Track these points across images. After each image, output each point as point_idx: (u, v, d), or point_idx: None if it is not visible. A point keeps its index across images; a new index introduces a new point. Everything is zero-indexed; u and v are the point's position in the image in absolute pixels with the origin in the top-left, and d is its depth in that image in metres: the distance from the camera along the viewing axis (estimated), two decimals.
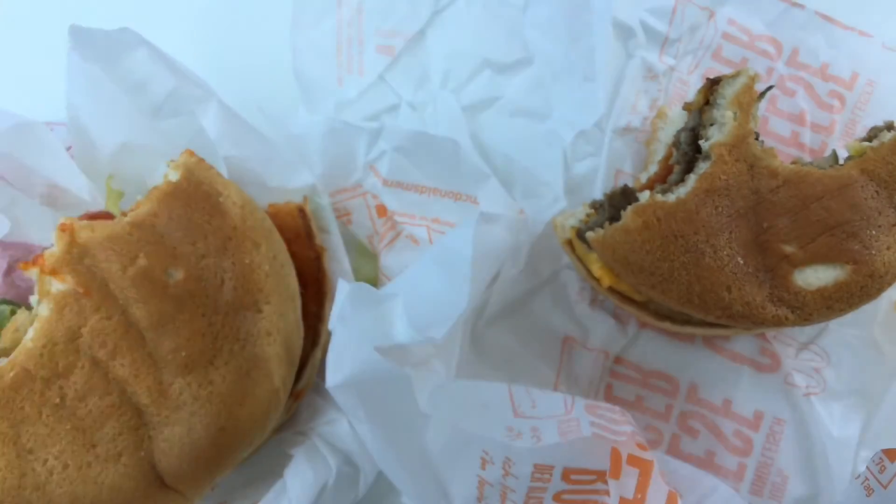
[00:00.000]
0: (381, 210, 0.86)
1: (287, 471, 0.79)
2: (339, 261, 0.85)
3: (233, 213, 0.74)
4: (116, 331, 0.70)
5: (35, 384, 0.68)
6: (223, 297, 0.72)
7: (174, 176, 0.74)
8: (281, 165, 0.83)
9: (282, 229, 0.80)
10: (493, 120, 0.92)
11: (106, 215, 0.75)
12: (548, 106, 0.93)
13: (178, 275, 0.72)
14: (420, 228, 0.85)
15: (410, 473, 0.70)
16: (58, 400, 0.68)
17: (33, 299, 0.71)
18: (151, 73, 0.82)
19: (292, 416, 0.82)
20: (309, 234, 0.82)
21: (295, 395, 0.80)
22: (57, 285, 0.69)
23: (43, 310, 0.69)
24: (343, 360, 0.66)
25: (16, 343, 0.70)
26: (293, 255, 0.79)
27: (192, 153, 0.75)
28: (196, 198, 0.73)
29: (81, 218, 0.73)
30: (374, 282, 0.89)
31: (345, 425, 0.80)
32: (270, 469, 0.81)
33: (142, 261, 0.71)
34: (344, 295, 0.65)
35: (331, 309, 0.82)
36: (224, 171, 0.80)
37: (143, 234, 0.72)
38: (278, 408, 0.76)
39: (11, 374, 0.68)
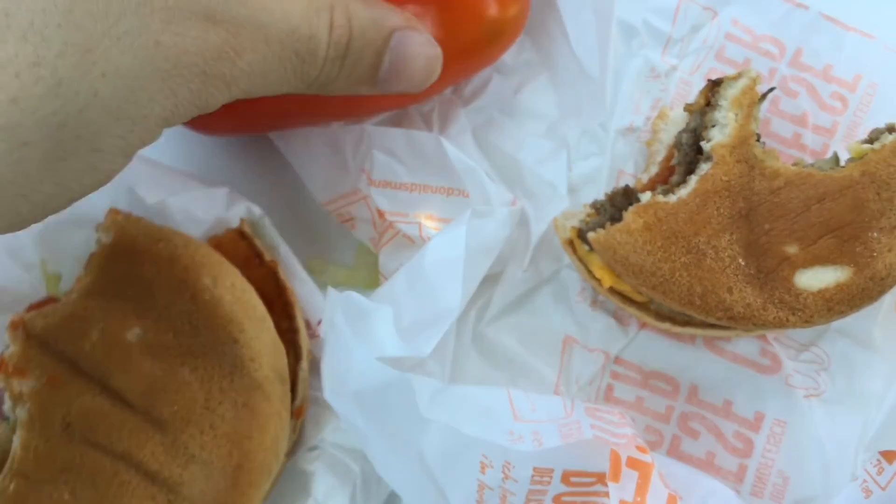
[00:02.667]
0: (381, 212, 0.86)
1: (314, 487, 0.78)
2: (293, 271, 0.84)
3: (178, 256, 0.73)
4: (102, 408, 0.68)
5: (40, 488, 0.67)
6: (196, 339, 0.71)
7: (107, 238, 0.72)
8: (209, 197, 0.83)
9: (229, 258, 0.79)
10: (496, 119, 0.91)
11: (51, 300, 0.74)
12: (551, 105, 0.92)
13: (144, 333, 0.70)
14: (412, 226, 0.85)
15: (410, 479, 0.70)
16: (67, 496, 0.67)
17: (6, 408, 0.69)
18: None
19: (300, 435, 0.81)
20: (257, 254, 0.82)
21: (296, 413, 0.79)
22: (27, 384, 0.68)
23: (22, 413, 0.68)
24: (339, 368, 0.66)
25: (5, 456, 0.68)
26: (248, 278, 0.78)
27: (117, 211, 0.74)
28: (136, 252, 0.72)
29: (28, 310, 0.72)
30: (375, 281, 0.89)
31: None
32: (297, 492, 0.80)
33: (104, 331, 0.70)
34: (333, 304, 0.65)
35: (301, 318, 0.82)
36: (155, 219, 0.79)
37: (96, 304, 0.70)
38: (285, 428, 0.76)
39: (13, 487, 0.66)
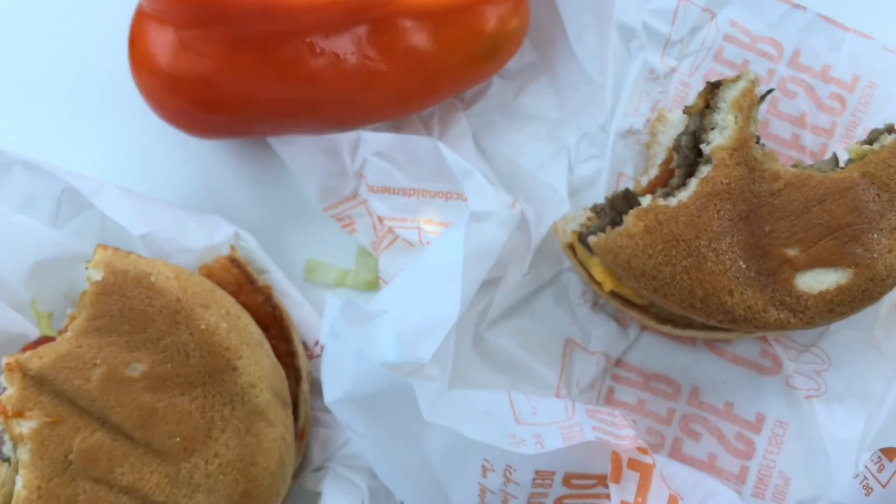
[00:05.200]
0: (381, 217, 0.86)
1: None
2: (287, 293, 0.85)
3: (169, 287, 0.73)
4: (103, 444, 0.69)
5: None
6: (194, 369, 0.72)
7: (97, 275, 0.72)
8: (196, 225, 0.83)
9: (221, 285, 0.79)
10: (497, 123, 0.92)
11: (46, 340, 0.74)
12: (552, 108, 0.93)
13: (142, 366, 0.71)
14: (411, 231, 0.85)
15: (412, 483, 0.70)
16: None
17: (7, 449, 0.69)
18: (34, 184, 0.82)
19: (305, 457, 0.82)
20: (250, 280, 0.82)
21: (299, 435, 0.80)
22: (27, 424, 0.68)
23: (23, 454, 0.68)
24: (340, 374, 0.66)
25: (8, 497, 0.68)
26: (243, 304, 0.79)
27: (105, 247, 0.74)
28: (127, 286, 0.72)
29: (23, 351, 0.72)
30: (375, 284, 0.89)
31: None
32: None
33: (100, 367, 0.70)
34: (334, 311, 0.65)
35: (299, 340, 0.82)
36: (144, 251, 0.80)
37: (91, 342, 0.70)
38: (290, 452, 0.76)
39: None
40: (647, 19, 0.92)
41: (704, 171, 0.77)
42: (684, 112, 0.85)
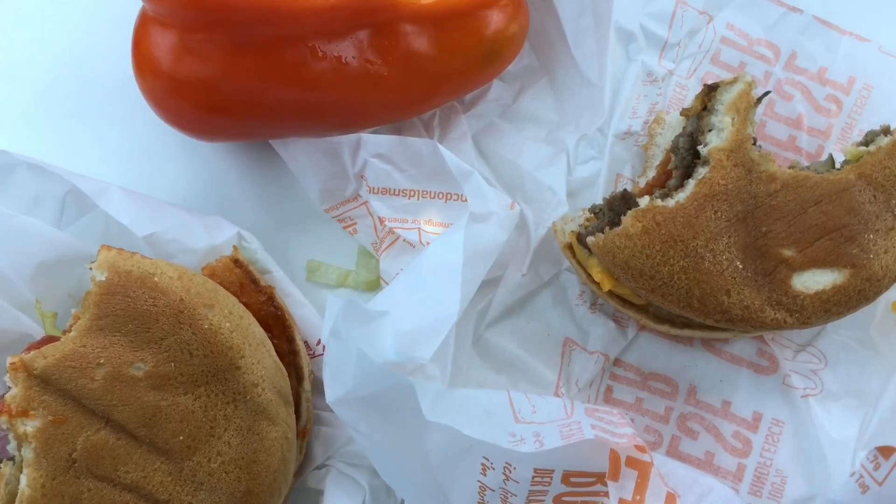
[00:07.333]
0: (382, 218, 0.87)
1: None
2: (289, 293, 0.86)
3: (173, 287, 0.74)
4: (108, 442, 0.69)
5: None
6: (197, 368, 0.72)
7: (101, 275, 0.73)
8: (200, 226, 0.84)
9: (224, 285, 0.80)
10: (496, 125, 0.92)
11: (51, 339, 0.74)
12: (551, 110, 0.93)
13: (145, 365, 0.71)
14: (412, 232, 0.86)
15: (412, 481, 0.71)
16: None
17: (11, 448, 0.70)
18: (39, 185, 0.83)
19: (307, 455, 0.83)
20: (253, 280, 0.83)
21: (301, 433, 0.81)
22: (31, 423, 0.68)
23: (27, 452, 0.68)
24: (341, 373, 0.66)
25: (13, 496, 0.69)
26: (245, 304, 0.80)
27: (109, 247, 0.75)
28: (131, 287, 0.73)
29: (27, 351, 0.72)
30: (376, 284, 0.90)
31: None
32: None
33: (104, 366, 0.70)
34: (336, 311, 0.66)
35: (301, 340, 0.83)
36: (148, 252, 0.81)
37: (95, 341, 0.71)
38: (292, 450, 0.77)
39: None
40: (644, 22, 0.93)
41: (702, 172, 0.78)
42: (682, 114, 0.86)
